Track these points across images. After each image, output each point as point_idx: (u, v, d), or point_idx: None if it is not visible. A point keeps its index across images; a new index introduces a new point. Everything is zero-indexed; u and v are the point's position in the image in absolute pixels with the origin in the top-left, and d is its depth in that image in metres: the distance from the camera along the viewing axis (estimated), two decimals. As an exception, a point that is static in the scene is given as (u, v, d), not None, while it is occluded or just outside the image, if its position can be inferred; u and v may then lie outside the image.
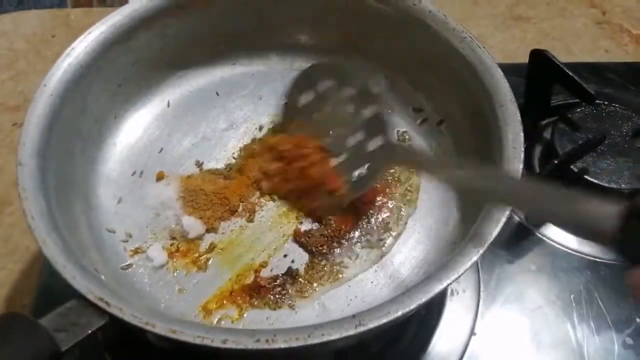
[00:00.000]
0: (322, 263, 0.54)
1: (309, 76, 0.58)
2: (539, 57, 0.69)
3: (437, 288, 0.42)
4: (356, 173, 0.54)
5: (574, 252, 0.63)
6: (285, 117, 0.61)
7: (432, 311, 0.59)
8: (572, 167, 0.64)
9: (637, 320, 0.59)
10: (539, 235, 0.65)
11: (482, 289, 0.60)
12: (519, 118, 0.52)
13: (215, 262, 0.54)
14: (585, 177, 0.64)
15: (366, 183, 0.54)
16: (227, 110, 0.64)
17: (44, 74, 0.53)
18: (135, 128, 0.62)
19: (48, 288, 0.58)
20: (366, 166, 0.54)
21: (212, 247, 0.55)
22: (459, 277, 0.43)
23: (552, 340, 0.58)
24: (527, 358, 0.57)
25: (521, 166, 0.49)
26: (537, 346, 0.58)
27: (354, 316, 0.41)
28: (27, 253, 0.63)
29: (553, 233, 0.65)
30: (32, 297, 0.59)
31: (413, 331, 0.58)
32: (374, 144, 0.53)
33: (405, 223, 0.56)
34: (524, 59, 0.71)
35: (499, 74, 0.54)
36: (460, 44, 0.57)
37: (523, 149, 0.50)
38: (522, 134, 0.51)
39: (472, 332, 0.58)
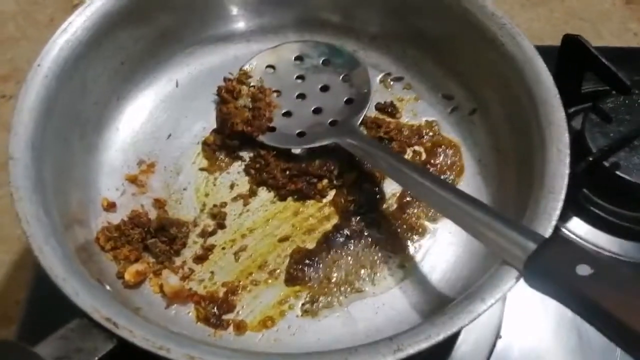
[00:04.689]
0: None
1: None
2: (571, 43, 0.65)
3: (481, 308, 0.39)
4: None
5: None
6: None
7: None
8: (604, 162, 0.61)
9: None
10: (564, 230, 0.62)
11: (507, 289, 0.58)
12: (564, 116, 0.47)
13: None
14: (617, 172, 0.61)
15: None
16: (241, 91, 0.59)
17: (34, 40, 0.48)
18: (139, 111, 0.56)
19: (44, 282, 0.53)
20: None
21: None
22: (504, 295, 0.39)
23: (579, 343, 0.55)
24: (555, 361, 0.55)
25: (567, 171, 0.45)
26: (564, 348, 0.55)
27: (391, 339, 0.37)
28: (18, 243, 0.58)
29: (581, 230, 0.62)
30: (26, 293, 0.53)
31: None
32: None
33: (436, 222, 0.52)
34: (551, 40, 0.67)
35: (542, 65, 0.50)
36: (499, 31, 0.52)
37: (569, 151, 0.46)
38: (567, 135, 0.46)
39: (497, 335, 0.55)
